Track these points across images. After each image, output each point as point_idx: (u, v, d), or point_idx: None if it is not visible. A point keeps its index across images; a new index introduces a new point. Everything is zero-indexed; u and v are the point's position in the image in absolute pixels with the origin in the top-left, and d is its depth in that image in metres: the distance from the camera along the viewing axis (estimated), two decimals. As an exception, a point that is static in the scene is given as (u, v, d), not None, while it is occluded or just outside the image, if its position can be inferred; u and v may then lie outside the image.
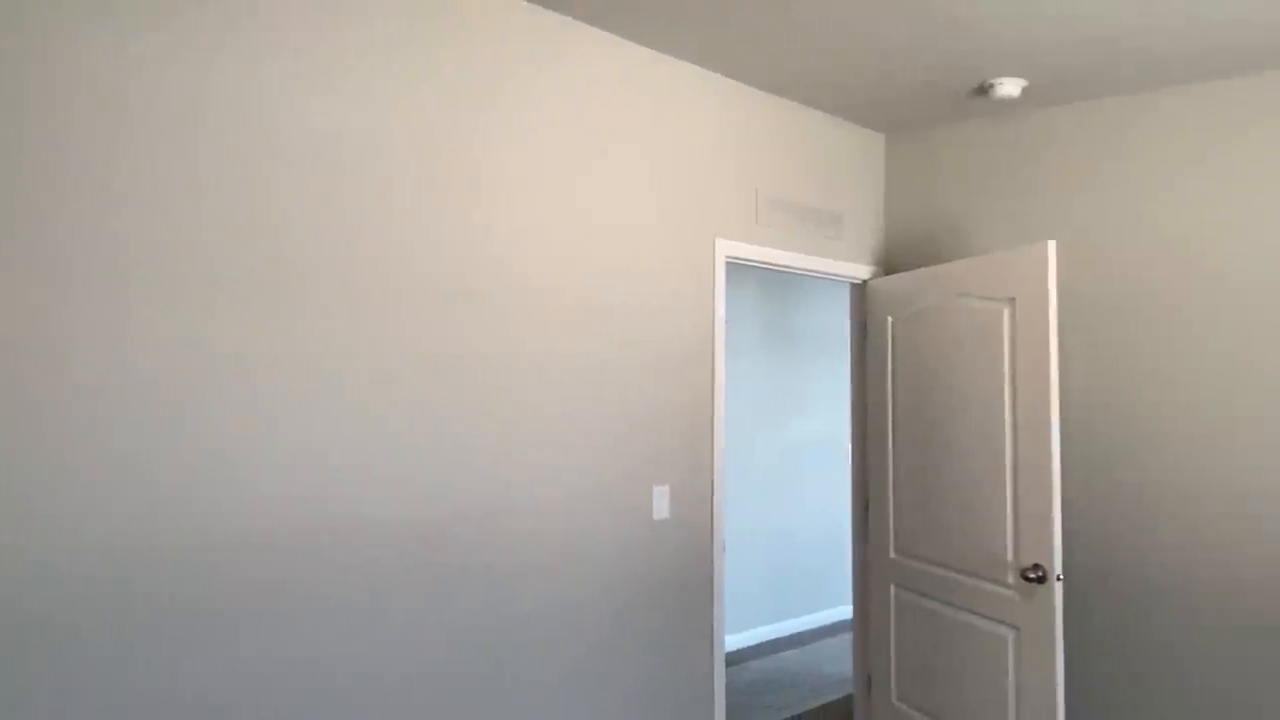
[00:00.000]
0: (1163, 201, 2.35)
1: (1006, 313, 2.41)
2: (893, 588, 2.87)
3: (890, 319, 2.92)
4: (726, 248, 2.59)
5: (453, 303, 1.95)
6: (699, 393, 2.49)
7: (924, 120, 2.88)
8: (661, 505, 2.37)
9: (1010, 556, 2.36)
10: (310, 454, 1.72)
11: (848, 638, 4.46)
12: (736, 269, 4.06)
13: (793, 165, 2.83)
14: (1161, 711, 2.32)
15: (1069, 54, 2.17)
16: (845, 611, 4.93)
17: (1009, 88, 2.40)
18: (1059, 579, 2.21)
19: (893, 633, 2.86)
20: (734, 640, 4.26)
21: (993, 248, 2.79)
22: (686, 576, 2.43)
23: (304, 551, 1.70)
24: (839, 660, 4.12)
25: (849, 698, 3.58)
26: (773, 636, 4.52)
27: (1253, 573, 2.15)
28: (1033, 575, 2.23)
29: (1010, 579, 2.36)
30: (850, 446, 3.19)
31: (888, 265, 3.15)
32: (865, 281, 3.08)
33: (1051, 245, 2.27)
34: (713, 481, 2.53)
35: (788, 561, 4.61)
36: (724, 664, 2.56)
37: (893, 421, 2.89)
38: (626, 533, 2.28)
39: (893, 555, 2.87)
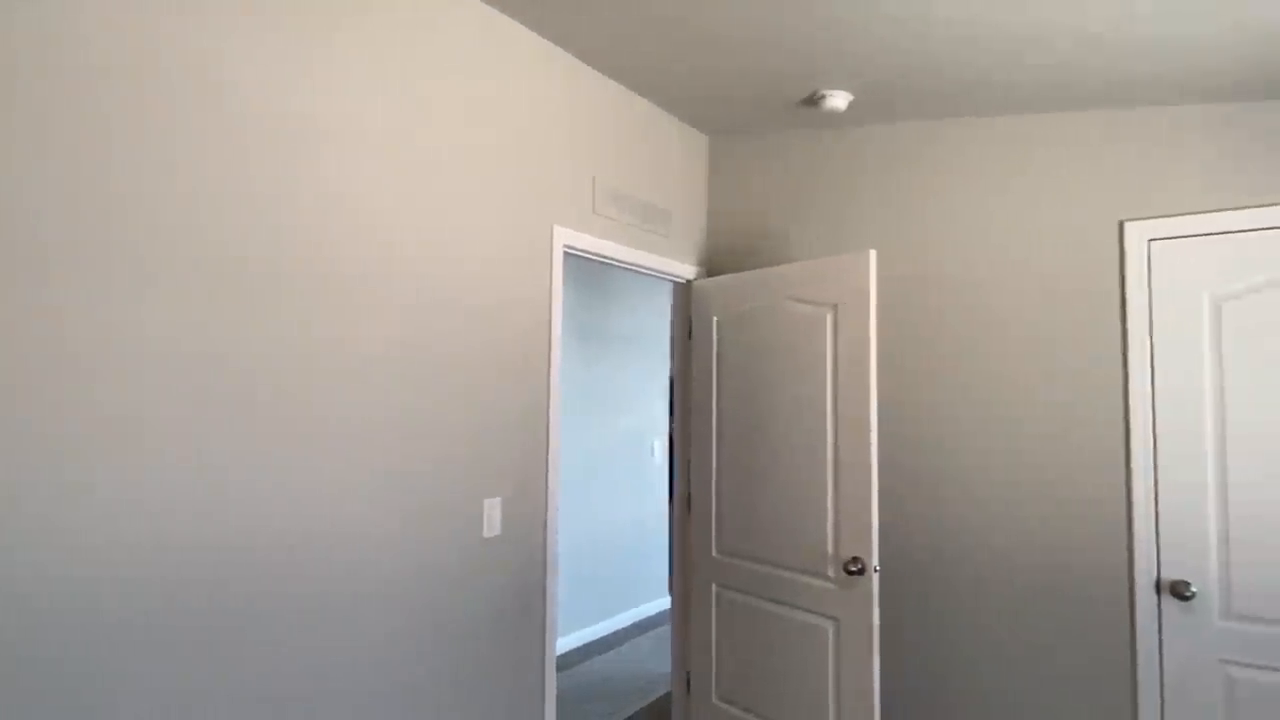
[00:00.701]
0: (961, 221, 2.61)
1: (830, 317, 2.51)
2: (715, 587, 2.89)
3: (717, 319, 2.93)
4: (565, 236, 2.40)
5: (228, 283, 1.53)
6: (535, 395, 2.27)
7: (751, 124, 2.93)
8: (493, 520, 2.12)
9: (831, 550, 2.47)
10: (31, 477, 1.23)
11: (666, 633, 4.50)
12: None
13: (629, 156, 2.72)
14: (958, 681, 2.57)
15: (894, 73, 2.30)
16: (661, 606, 4.99)
17: (837, 100, 2.50)
18: (876, 570, 2.35)
19: (714, 631, 2.87)
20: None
21: (813, 255, 2.92)
22: (518, 598, 2.20)
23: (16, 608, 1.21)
24: (661, 658, 4.13)
25: (669, 695, 3.58)
26: (592, 639, 4.42)
27: (1022, 560, 2.46)
28: (854, 568, 2.35)
29: (831, 572, 2.46)
30: (666, 445, 3.17)
31: (709, 266, 3.18)
32: (690, 281, 3.07)
33: (873, 254, 2.40)
34: (547, 492, 2.32)
35: (603, 561, 4.53)
36: (555, 684, 2.37)
37: (717, 421, 2.91)
38: (452, 554, 2.00)
39: (715, 555, 2.89)
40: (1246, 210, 2.11)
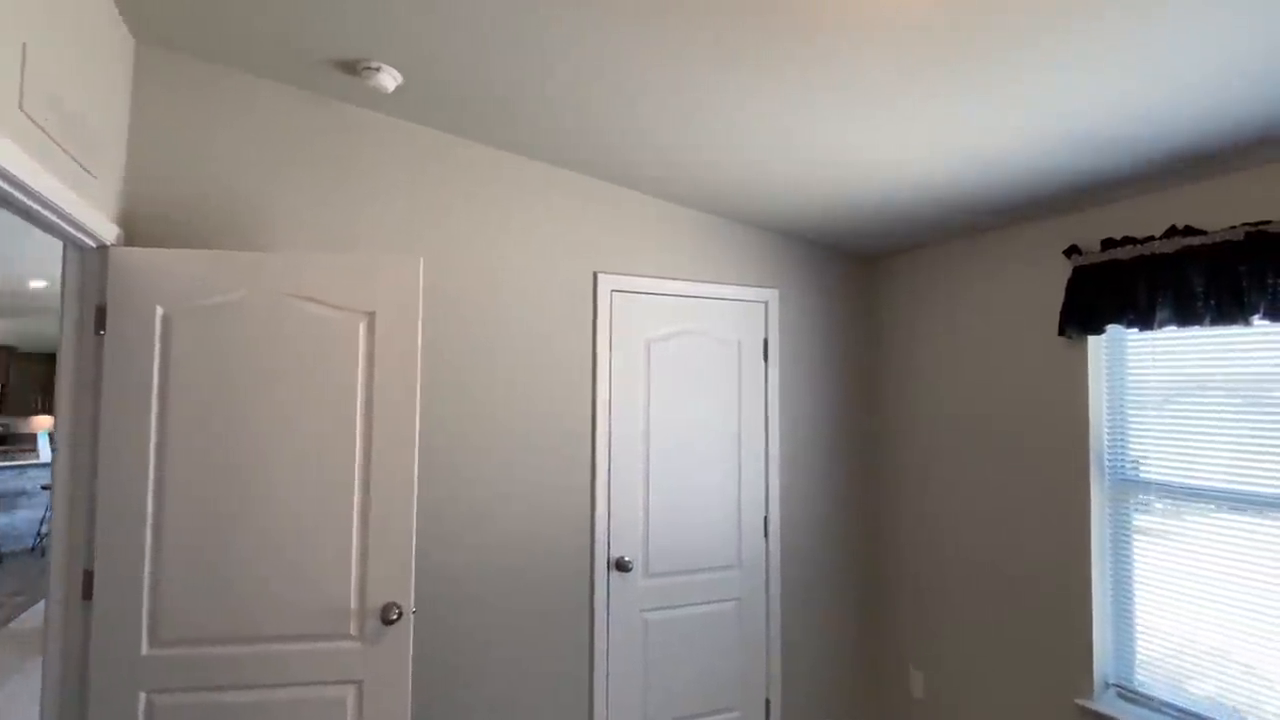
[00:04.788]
0: (474, 244, 2.60)
1: (363, 327, 2.14)
2: (145, 696, 1.99)
3: (163, 311, 2.04)
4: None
5: None
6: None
7: (231, 49, 2.17)
8: None
9: (355, 604, 2.09)
10: None
11: None
12: None
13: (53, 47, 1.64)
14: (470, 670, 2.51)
15: (445, 70, 2.13)
16: None
17: (385, 78, 2.15)
18: (414, 613, 2.12)
19: (140, 763, 1.97)
20: None
21: (299, 246, 2.37)
22: None
23: None
24: None
25: None
26: None
27: (510, 556, 2.64)
28: (392, 617, 2.06)
29: (353, 628, 2.08)
30: (51, 494, 2.00)
31: (135, 232, 2.18)
32: (108, 246, 2.03)
33: (421, 262, 2.18)
34: None
35: None
36: None
37: (156, 458, 2.02)
38: None
39: (148, 651, 1.99)
40: (677, 281, 2.92)
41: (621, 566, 2.76)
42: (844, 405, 3.30)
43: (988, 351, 2.87)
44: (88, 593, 2.00)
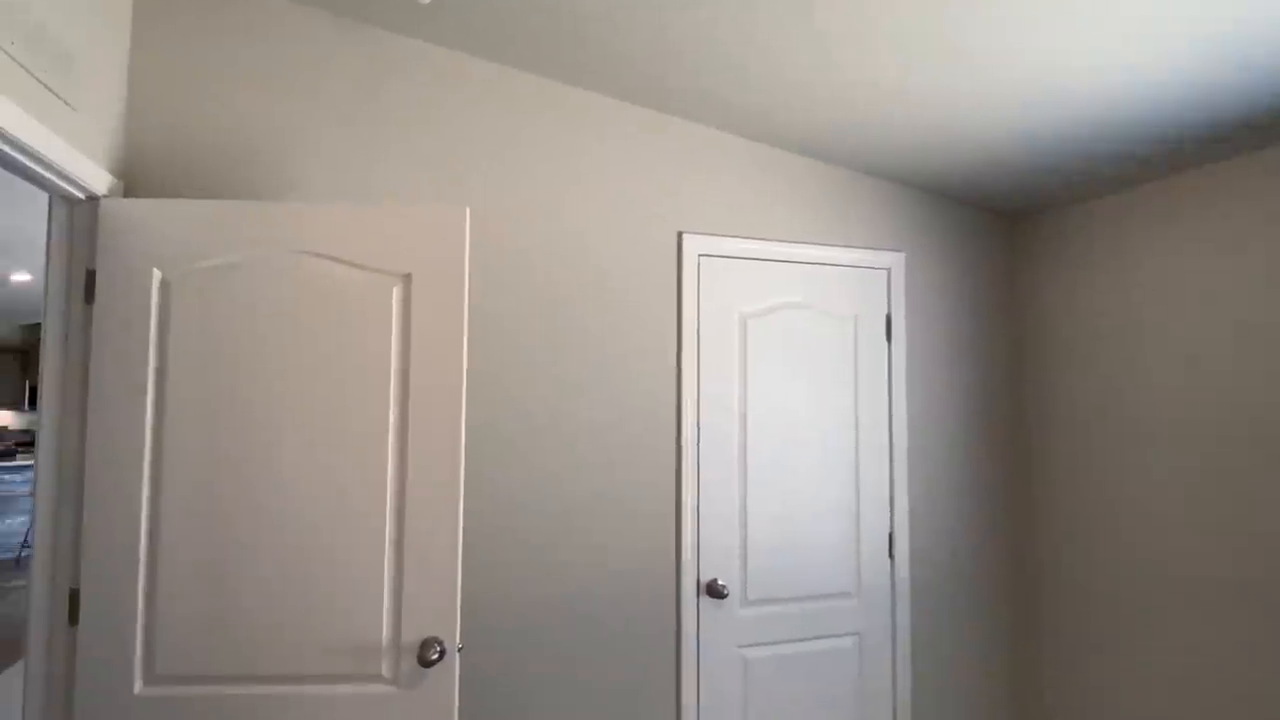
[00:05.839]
0: (541, 193, 2.16)
1: (397, 292, 1.72)
2: (139, 746, 1.62)
3: (160, 275, 1.68)
4: None
5: None
6: None
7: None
8: None
9: (387, 638, 1.66)
10: None
11: None
12: None
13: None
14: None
15: None
16: None
17: (422, -16, 1.73)
18: (460, 650, 1.69)
19: (133, 828, 1.61)
20: None
21: (327, 198, 1.99)
22: None
23: None
24: None
25: None
26: None
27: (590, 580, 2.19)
28: (432, 656, 1.62)
29: (385, 669, 1.66)
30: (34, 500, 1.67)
31: (134, 181, 1.84)
32: (99, 197, 1.69)
33: (467, 213, 1.75)
34: None
35: None
36: None
37: (152, 457, 1.66)
38: None
39: (141, 690, 1.63)
40: (779, 243, 2.40)
41: (714, 592, 2.25)
42: (984, 393, 2.68)
43: (1198, 322, 2.21)
44: (74, 617, 1.65)
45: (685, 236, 2.30)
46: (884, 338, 2.54)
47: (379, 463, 1.69)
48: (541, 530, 2.12)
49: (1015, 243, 2.80)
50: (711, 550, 2.28)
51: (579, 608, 2.14)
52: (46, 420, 1.67)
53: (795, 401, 2.40)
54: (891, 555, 2.50)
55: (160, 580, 1.64)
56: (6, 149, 1.38)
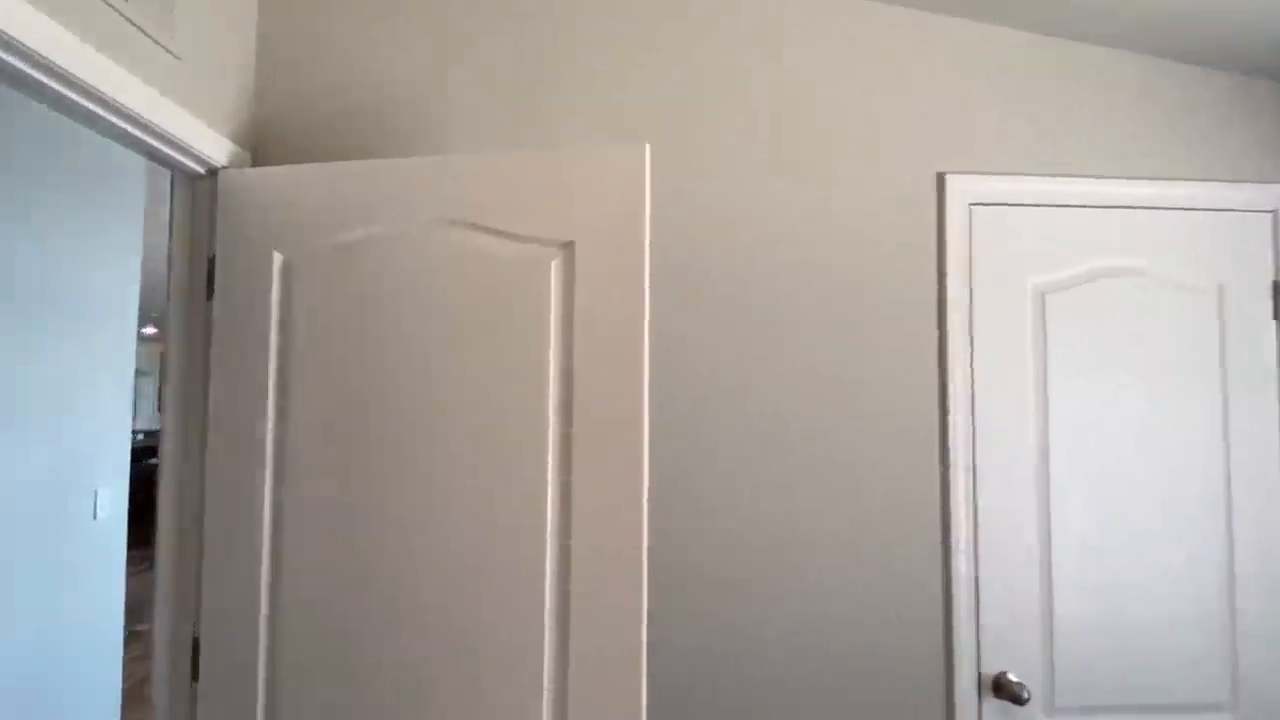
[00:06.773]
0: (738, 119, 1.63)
1: (556, 266, 1.26)
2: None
3: (282, 258, 1.37)
4: None
5: None
6: None
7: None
8: None
9: (548, 740, 1.20)
10: None
11: None
12: None
13: None
14: None
15: None
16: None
17: None
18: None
19: None
20: None
21: (485, 146, 1.60)
22: None
23: None
24: None
25: None
26: None
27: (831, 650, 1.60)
28: (608, 780, 1.13)
29: (547, 786, 1.19)
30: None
31: (261, 150, 1.57)
32: (218, 169, 1.41)
33: (647, 151, 1.25)
34: None
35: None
36: None
37: (275, 461, 1.34)
38: None
39: (263, 772, 1.30)
40: (1087, 181, 1.65)
41: (1006, 691, 1.55)
42: None
43: None
44: (195, 672, 1.38)
45: (949, 178, 1.62)
46: (1269, 316, 1.66)
47: (534, 497, 1.23)
48: (743, 594, 1.56)
49: None
50: (999, 633, 1.58)
51: (799, 703, 1.55)
52: (166, 445, 1.41)
53: (1123, 415, 1.62)
54: (1291, 650, 1.62)
55: (282, 641, 1.31)
56: (142, 121, 1.11)
